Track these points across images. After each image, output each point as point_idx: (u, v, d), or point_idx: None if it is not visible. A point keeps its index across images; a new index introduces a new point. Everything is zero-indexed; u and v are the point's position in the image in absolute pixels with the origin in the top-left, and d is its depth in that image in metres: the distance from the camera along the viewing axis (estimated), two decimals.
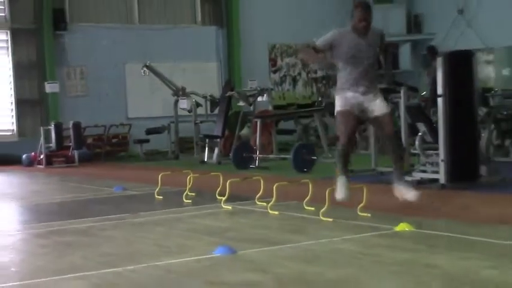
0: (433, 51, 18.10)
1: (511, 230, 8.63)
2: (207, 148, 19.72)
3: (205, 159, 19.34)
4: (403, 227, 8.80)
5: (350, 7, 25.92)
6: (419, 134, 13.23)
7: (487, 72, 24.17)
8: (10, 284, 7.23)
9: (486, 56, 24.01)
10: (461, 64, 12.59)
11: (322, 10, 26.00)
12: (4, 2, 22.76)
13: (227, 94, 20.65)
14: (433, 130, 12.76)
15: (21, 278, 7.49)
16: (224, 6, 25.21)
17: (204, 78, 23.37)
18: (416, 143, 13.13)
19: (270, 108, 20.28)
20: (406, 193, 9.01)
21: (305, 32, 25.85)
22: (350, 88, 8.94)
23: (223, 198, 11.53)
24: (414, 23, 26.34)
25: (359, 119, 9.20)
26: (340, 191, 9.15)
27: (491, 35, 23.51)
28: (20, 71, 22.92)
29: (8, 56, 22.95)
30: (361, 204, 9.63)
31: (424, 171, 12.77)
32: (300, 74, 26.26)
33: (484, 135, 13.95)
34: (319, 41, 9.32)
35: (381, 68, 10.49)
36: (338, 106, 8.96)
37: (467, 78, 12.48)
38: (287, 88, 25.85)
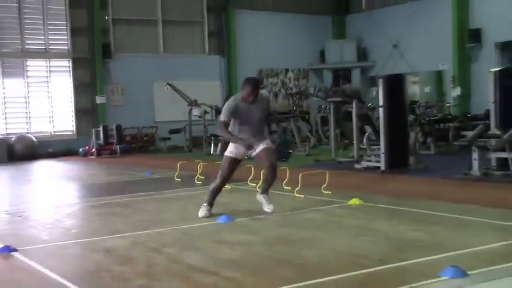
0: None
1: (431, 203, 8.67)
2: (212, 144, 19.68)
3: (211, 152, 19.30)
4: (354, 201, 8.81)
5: (322, 40, 26.52)
6: (367, 134, 13.29)
7: (413, 89, 24.22)
8: (72, 241, 7.24)
9: (413, 78, 24.05)
10: (395, 84, 12.62)
11: (297, 44, 25.98)
12: (67, 39, 22.68)
13: None
14: (376, 131, 12.81)
15: (80, 237, 7.48)
16: (225, 41, 25.15)
17: (210, 93, 23.28)
18: (364, 140, 13.17)
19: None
20: (264, 205, 8.28)
21: (284, 60, 25.99)
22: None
23: None
24: (362, 54, 26.33)
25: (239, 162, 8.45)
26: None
27: (416, 62, 23.55)
28: (78, 88, 22.81)
29: (70, 77, 22.84)
30: (324, 185, 9.66)
31: (370, 161, 12.81)
32: (280, 90, 26.24)
33: (412, 135, 13.96)
34: (222, 117, 8.14)
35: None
36: (229, 152, 8.28)
37: (400, 93, 12.54)
38: (271, 100, 25.78)
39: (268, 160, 8.16)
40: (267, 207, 8.20)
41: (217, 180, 8.28)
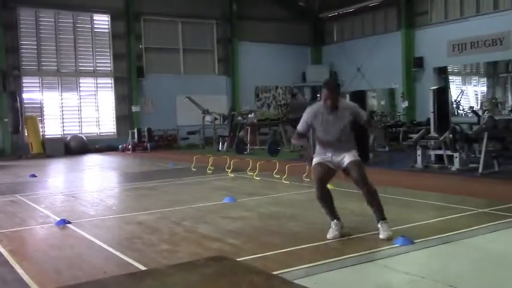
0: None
1: (386, 188, 8.64)
2: (220, 142, 19.65)
3: (220, 149, 19.27)
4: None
5: (304, 65, 26.59)
6: None
7: (372, 102, 24.24)
8: (112, 216, 7.19)
9: (372, 93, 24.04)
10: (359, 98, 12.59)
11: (285, 67, 25.95)
12: (110, 62, 22.60)
13: (231, 113, 20.66)
14: None
15: (118, 213, 7.44)
16: (230, 65, 25.10)
17: (219, 104, 23.20)
18: None
19: (255, 120, 20.21)
20: (382, 232, 5.16)
21: (274, 79, 25.96)
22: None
23: (229, 170, 11.49)
24: (334, 75, 26.29)
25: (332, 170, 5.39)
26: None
27: (374, 82, 23.52)
28: (118, 100, 22.73)
29: (112, 91, 22.75)
30: (305, 174, 9.62)
31: None
32: (272, 102, 26.20)
33: (371, 136, 13.93)
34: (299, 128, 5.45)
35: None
36: (314, 160, 5.42)
37: (363, 105, 12.48)
38: (265, 109, 25.74)
39: (354, 173, 5.29)
40: (383, 235, 5.16)
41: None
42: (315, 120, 5.33)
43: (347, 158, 5.32)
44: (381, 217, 5.30)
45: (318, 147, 5.46)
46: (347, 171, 5.37)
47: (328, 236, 5.31)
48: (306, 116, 5.39)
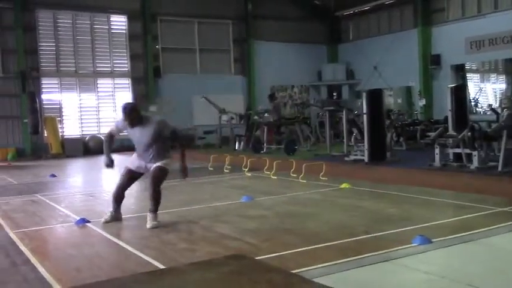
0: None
1: (403, 187, 8.59)
2: (237, 142, 19.66)
3: (236, 148, 19.27)
4: (345, 185, 8.76)
5: (319, 63, 26.50)
6: (354, 134, 13.19)
7: (389, 100, 24.03)
8: (131, 215, 7.25)
9: (389, 92, 23.85)
10: (375, 96, 12.50)
11: (300, 66, 25.90)
12: (128, 63, 22.78)
13: (248, 112, 20.67)
14: (361, 132, 12.71)
15: (136, 212, 7.49)
16: (246, 64, 25.12)
17: (235, 104, 23.19)
18: (352, 139, 13.09)
19: (271, 120, 20.20)
20: (148, 222, 6.23)
21: (290, 78, 25.91)
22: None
23: (246, 169, 11.50)
24: (350, 74, 26.19)
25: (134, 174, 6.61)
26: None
27: (391, 80, 23.34)
28: (136, 100, 22.90)
29: (130, 92, 22.95)
30: (322, 173, 9.60)
31: (356, 155, 12.69)
32: (287, 101, 26.16)
33: (388, 135, 13.83)
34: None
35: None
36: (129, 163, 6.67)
37: (379, 104, 12.39)
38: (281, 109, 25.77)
39: (151, 178, 6.37)
40: (149, 225, 6.24)
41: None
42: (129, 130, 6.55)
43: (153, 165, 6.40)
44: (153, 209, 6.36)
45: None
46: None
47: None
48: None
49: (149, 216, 6.35)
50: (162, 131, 6.38)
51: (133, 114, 6.38)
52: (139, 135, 6.42)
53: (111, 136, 6.88)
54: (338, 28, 26.82)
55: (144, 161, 6.50)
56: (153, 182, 6.37)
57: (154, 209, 6.38)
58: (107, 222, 6.50)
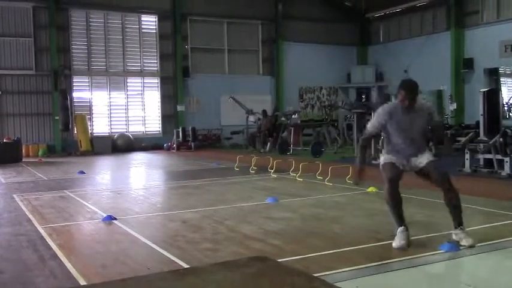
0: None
1: (432, 192, 8.44)
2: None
3: (262, 149, 19.30)
4: (371, 189, 8.65)
5: (348, 65, 26.36)
6: (382, 137, 12.98)
7: None
8: (157, 213, 7.31)
9: (419, 95, 23.50)
10: None
11: (329, 68, 25.79)
12: (157, 62, 23.04)
13: (275, 113, 20.66)
14: None
15: (163, 210, 7.56)
16: (275, 65, 25.13)
17: (263, 104, 23.16)
18: (380, 142, 12.89)
19: (299, 121, 20.15)
20: (464, 239, 4.90)
21: (318, 79, 25.81)
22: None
23: (272, 170, 11.49)
24: (379, 76, 25.94)
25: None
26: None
27: (421, 83, 22.70)
28: (164, 99, 23.19)
29: (158, 91, 23.23)
30: (348, 176, 9.50)
31: None
32: (315, 103, 26.07)
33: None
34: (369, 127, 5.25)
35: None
36: (385, 160, 5.18)
37: None
38: (308, 110, 25.66)
39: (434, 175, 5.03)
40: (465, 242, 4.89)
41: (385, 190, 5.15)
42: (389, 120, 5.04)
43: (424, 159, 5.05)
44: (460, 222, 4.99)
45: (388, 148, 5.20)
46: (424, 173, 5.11)
47: (394, 245, 4.86)
48: (379, 117, 5.12)
49: (461, 233, 4.95)
50: (429, 122, 5.20)
51: (414, 93, 5.05)
52: (409, 122, 5.00)
53: (369, 139, 5.52)
54: (368, 30, 26.61)
55: (403, 156, 5.10)
56: (448, 180, 4.97)
57: (461, 220, 5.00)
58: (402, 247, 4.84)
